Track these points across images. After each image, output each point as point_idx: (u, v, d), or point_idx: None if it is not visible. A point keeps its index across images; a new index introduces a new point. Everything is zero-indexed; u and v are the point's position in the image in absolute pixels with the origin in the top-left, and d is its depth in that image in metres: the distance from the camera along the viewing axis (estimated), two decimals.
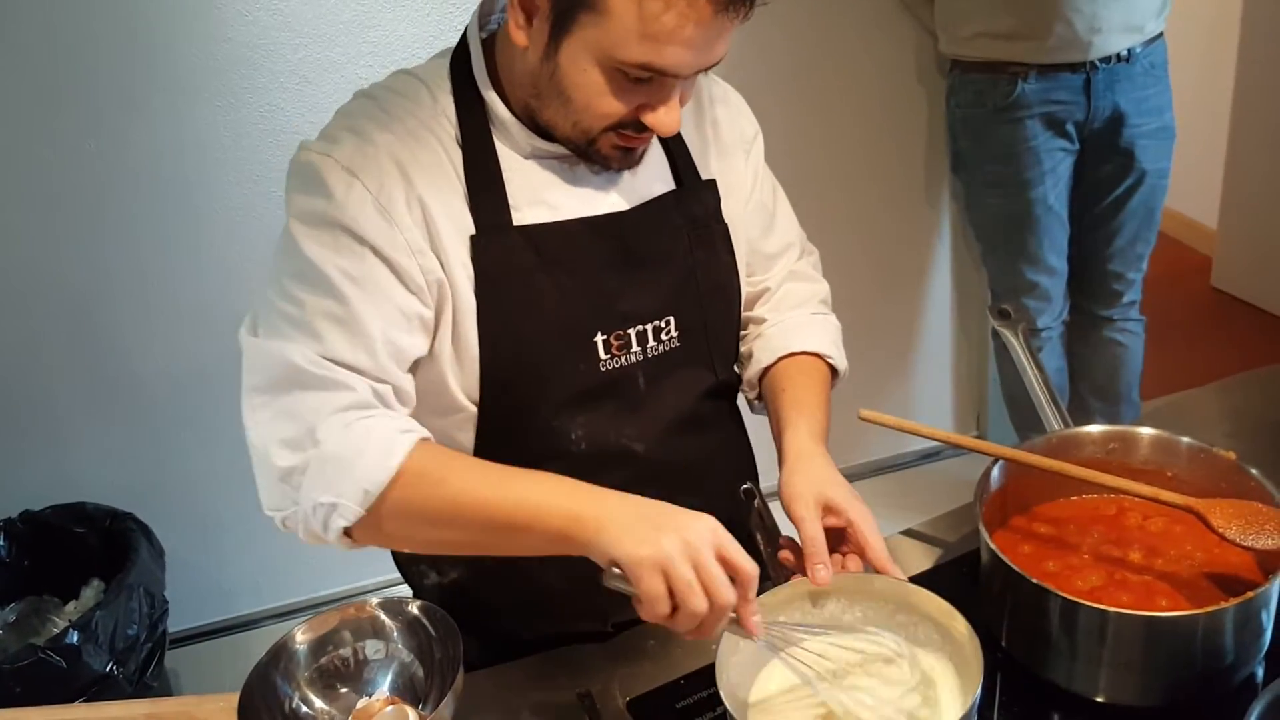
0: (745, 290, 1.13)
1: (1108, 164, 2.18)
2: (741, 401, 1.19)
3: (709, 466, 1.11)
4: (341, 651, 0.97)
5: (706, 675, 0.88)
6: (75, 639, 1.73)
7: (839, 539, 0.97)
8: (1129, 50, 2.06)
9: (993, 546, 0.95)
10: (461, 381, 0.97)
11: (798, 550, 0.95)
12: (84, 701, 1.71)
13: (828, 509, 0.95)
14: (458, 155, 0.94)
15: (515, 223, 0.95)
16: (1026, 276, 2.27)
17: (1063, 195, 2.21)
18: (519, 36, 0.88)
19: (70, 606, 2.06)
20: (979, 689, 0.80)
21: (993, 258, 2.38)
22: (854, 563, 0.96)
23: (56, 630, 1.91)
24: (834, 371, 1.15)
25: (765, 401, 1.13)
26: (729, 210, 1.08)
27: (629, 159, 0.96)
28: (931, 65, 2.41)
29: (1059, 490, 1.09)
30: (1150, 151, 2.16)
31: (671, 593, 0.79)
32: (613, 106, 0.89)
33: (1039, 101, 2.10)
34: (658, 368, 1.03)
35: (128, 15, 1.92)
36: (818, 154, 2.41)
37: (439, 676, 0.94)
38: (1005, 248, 2.30)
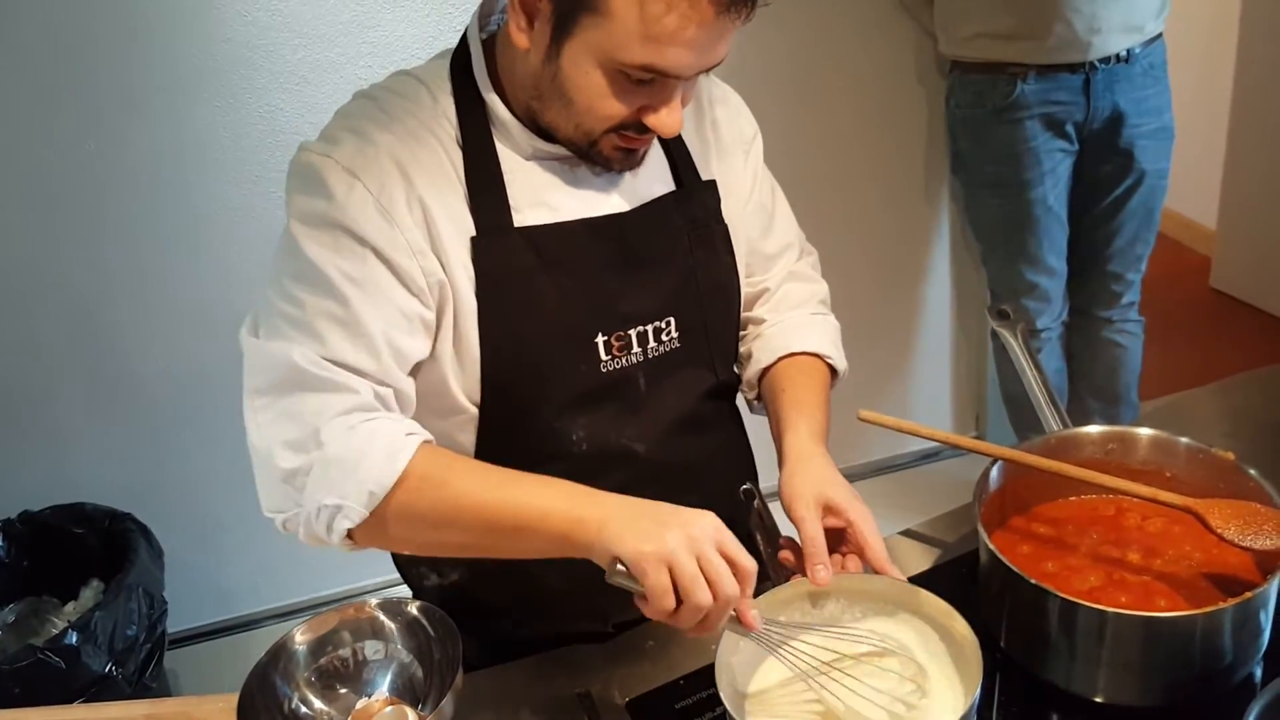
0: (745, 291, 1.13)
1: (1107, 164, 2.18)
2: (741, 402, 1.19)
3: (709, 467, 1.11)
4: (341, 652, 0.97)
5: (706, 675, 0.88)
6: (74, 639, 1.73)
7: (839, 539, 0.97)
8: (1128, 51, 2.06)
9: (992, 547, 0.95)
10: (462, 383, 0.97)
11: (798, 550, 0.95)
12: (83, 702, 1.71)
13: (828, 509, 0.96)
14: (458, 156, 0.94)
15: (516, 224, 0.95)
16: (1026, 277, 2.28)
17: (1062, 196, 2.21)
18: (520, 39, 0.88)
19: (69, 607, 2.06)
20: (978, 689, 0.80)
21: (992, 258, 2.38)
22: (854, 563, 0.96)
23: (55, 631, 1.91)
24: (833, 372, 1.15)
25: (765, 402, 1.13)
26: (729, 211, 1.08)
27: (630, 160, 0.96)
28: (931, 66, 2.41)
29: (1058, 491, 1.09)
30: (1150, 152, 2.16)
31: (675, 588, 0.79)
32: (614, 108, 0.89)
33: (1038, 102, 2.10)
34: (658, 368, 1.04)
35: (128, 15, 1.92)
36: (817, 154, 2.41)
37: (438, 677, 0.94)
38: (1005, 248, 2.30)
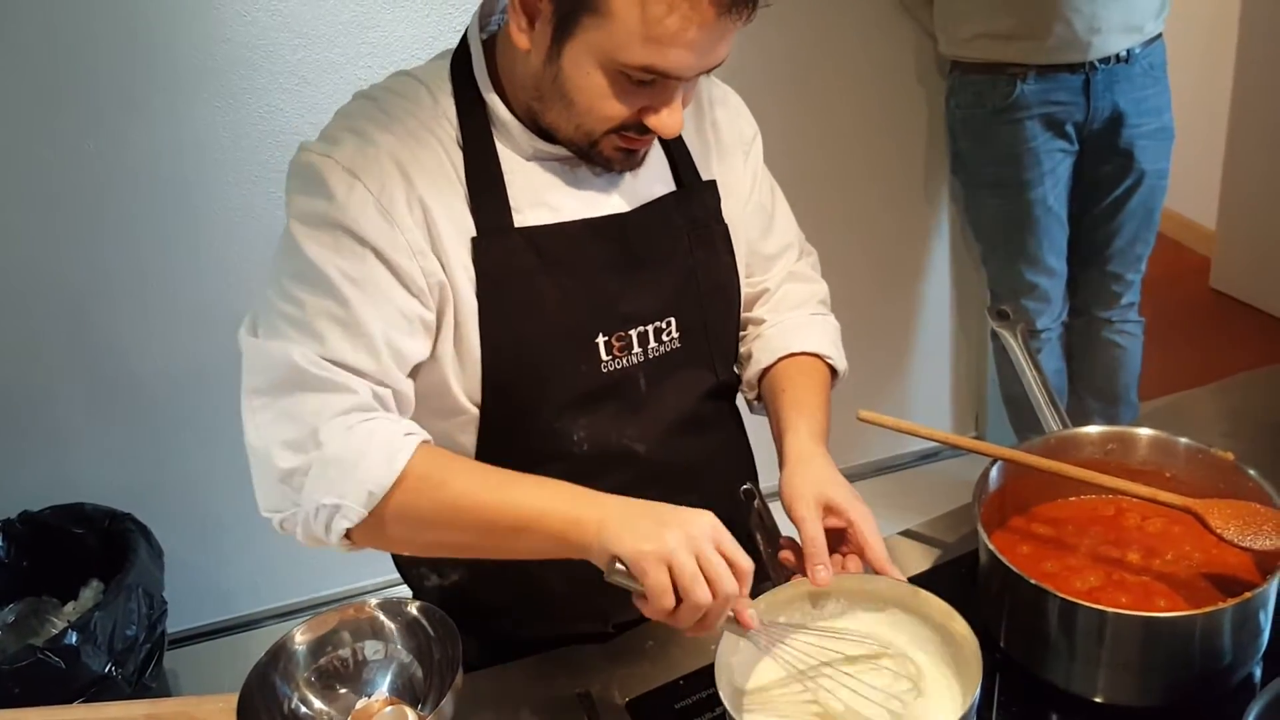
0: (744, 291, 1.13)
1: (1107, 164, 2.18)
2: (741, 402, 1.19)
3: (710, 467, 1.11)
4: (341, 652, 0.97)
5: (706, 676, 0.88)
6: (74, 640, 1.73)
7: (839, 539, 0.97)
8: (1128, 51, 2.06)
9: (991, 547, 0.95)
10: (463, 383, 0.97)
11: (798, 551, 0.95)
12: (83, 702, 1.71)
13: (828, 509, 0.96)
14: (458, 157, 0.94)
15: (516, 224, 0.95)
16: (1026, 278, 2.28)
17: (1062, 196, 2.21)
18: (521, 40, 0.88)
19: (69, 607, 2.06)
20: (978, 689, 0.80)
21: (992, 258, 2.38)
22: (854, 563, 0.96)
23: (55, 631, 1.91)
24: (833, 372, 1.15)
25: (765, 402, 1.13)
26: (728, 211, 1.08)
27: (631, 161, 0.96)
28: (931, 66, 2.41)
29: (1057, 491, 1.09)
30: (1149, 152, 2.16)
31: (675, 586, 0.79)
32: (615, 109, 0.89)
33: (1038, 102, 2.10)
34: (659, 368, 1.04)
35: (128, 15, 1.92)
36: (817, 155, 2.41)
37: (438, 677, 0.94)
38: (1005, 249, 2.30)
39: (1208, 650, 0.90)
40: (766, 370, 1.13)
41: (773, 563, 0.99)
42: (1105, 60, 2.06)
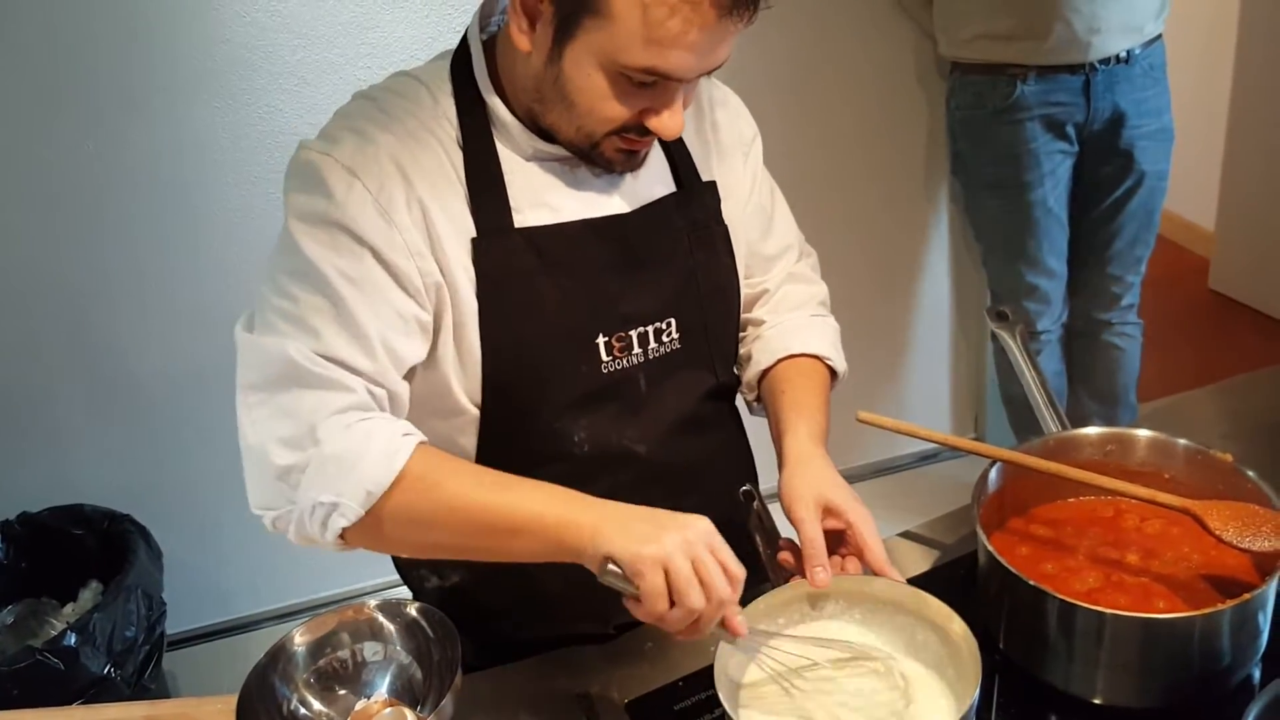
0: (744, 292, 1.13)
1: (1107, 166, 2.18)
2: (741, 403, 1.19)
3: (710, 468, 1.11)
4: (340, 653, 0.97)
5: (705, 677, 0.88)
6: (73, 641, 1.73)
7: (838, 541, 0.97)
8: (1128, 51, 2.07)
9: (990, 548, 0.95)
10: (464, 384, 0.97)
11: (797, 552, 0.95)
12: (82, 704, 1.71)
13: (828, 511, 0.96)
14: (458, 157, 0.94)
15: (516, 225, 0.95)
16: (1026, 279, 2.28)
17: (1062, 197, 2.21)
18: (522, 41, 0.88)
19: (68, 608, 2.06)
20: (977, 690, 0.80)
21: (992, 260, 2.38)
22: (853, 565, 0.96)
23: (54, 632, 1.91)
24: (833, 373, 1.15)
25: (764, 403, 1.13)
26: (728, 212, 1.09)
27: (632, 162, 0.97)
28: (931, 67, 2.41)
29: (1056, 492, 1.09)
30: (1150, 153, 2.16)
31: (669, 589, 0.80)
32: (616, 110, 0.89)
33: (1038, 103, 2.10)
34: (659, 369, 1.04)
35: (128, 15, 1.92)
36: (817, 156, 2.41)
37: (437, 678, 0.94)
38: (1005, 250, 2.30)
39: (1207, 651, 0.90)
40: (766, 371, 1.13)
41: (772, 564, 0.99)
42: (1105, 61, 2.06)
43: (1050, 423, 1.13)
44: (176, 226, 2.08)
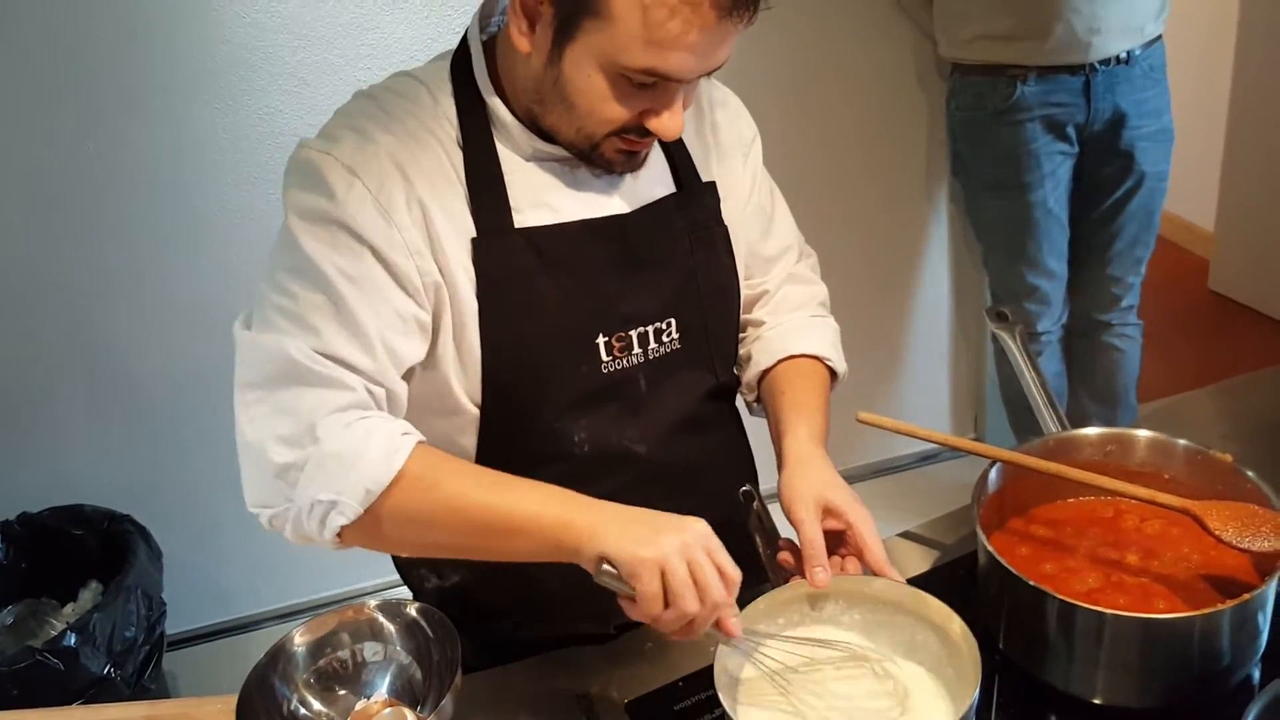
0: (744, 293, 1.13)
1: (1107, 166, 2.18)
2: (741, 403, 1.19)
3: (710, 468, 1.11)
4: (340, 654, 0.97)
5: (705, 677, 0.88)
6: (73, 641, 1.73)
7: (838, 541, 0.97)
8: (1128, 52, 2.07)
9: (990, 549, 0.95)
10: (464, 384, 0.97)
11: (797, 552, 0.95)
12: (82, 704, 1.71)
13: (827, 511, 0.96)
14: (458, 157, 0.94)
15: (516, 225, 0.95)
16: (1026, 280, 2.28)
17: (1062, 198, 2.21)
18: (522, 43, 0.88)
19: (68, 609, 2.06)
20: (977, 691, 0.80)
21: (993, 261, 2.38)
22: (853, 565, 0.96)
23: (54, 632, 1.91)
24: (833, 374, 1.15)
25: (764, 404, 1.13)
26: (728, 213, 1.09)
27: (632, 162, 0.97)
28: (931, 68, 2.42)
29: (1056, 492, 1.09)
30: (1150, 154, 2.16)
31: (665, 592, 0.80)
32: (616, 112, 0.89)
33: (1039, 104, 2.10)
34: (659, 369, 1.04)
35: (128, 15, 1.92)
36: (817, 156, 2.41)
37: (437, 678, 0.94)
38: (1005, 251, 2.30)
39: (1206, 652, 0.90)
40: (766, 372, 1.13)
41: (771, 564, 0.99)
42: (1105, 62, 2.06)
43: (1050, 423, 1.13)
44: (176, 226, 2.08)
